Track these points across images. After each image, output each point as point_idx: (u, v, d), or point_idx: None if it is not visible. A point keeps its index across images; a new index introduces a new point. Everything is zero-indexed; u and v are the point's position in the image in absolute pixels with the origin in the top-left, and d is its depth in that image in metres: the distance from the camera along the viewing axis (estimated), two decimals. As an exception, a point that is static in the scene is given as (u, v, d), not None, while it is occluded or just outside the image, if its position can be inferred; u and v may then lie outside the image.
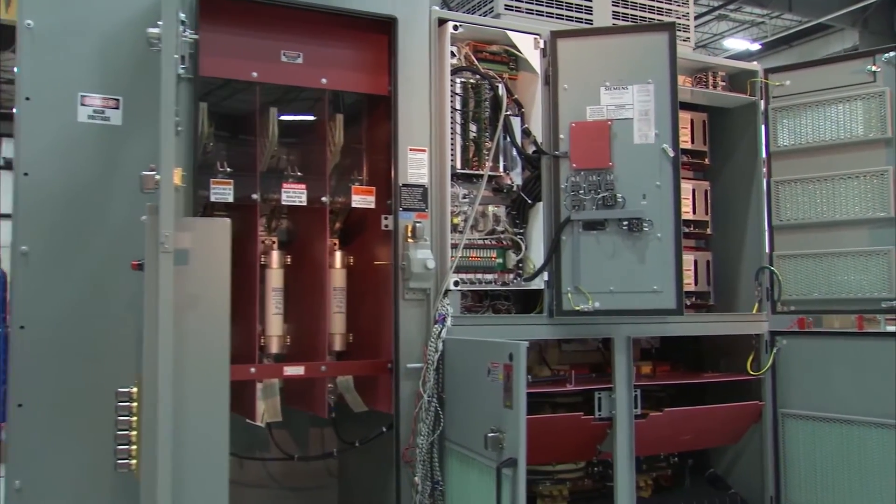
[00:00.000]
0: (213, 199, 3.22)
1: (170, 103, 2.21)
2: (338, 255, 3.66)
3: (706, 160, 4.43)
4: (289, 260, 3.59)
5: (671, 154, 3.51)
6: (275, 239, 3.67)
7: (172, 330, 2.19)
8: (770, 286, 4.16)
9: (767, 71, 4.25)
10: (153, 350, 2.18)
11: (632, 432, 3.72)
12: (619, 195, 3.54)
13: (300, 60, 3.34)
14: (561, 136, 3.61)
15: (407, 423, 3.30)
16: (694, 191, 4.38)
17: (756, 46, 18.28)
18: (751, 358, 4.14)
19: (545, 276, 3.60)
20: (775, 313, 4.15)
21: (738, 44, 18.77)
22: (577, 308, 3.54)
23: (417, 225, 3.31)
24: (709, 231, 4.43)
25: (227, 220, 2.40)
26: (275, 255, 3.55)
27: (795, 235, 4.11)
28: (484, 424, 2.81)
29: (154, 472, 2.13)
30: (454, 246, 3.47)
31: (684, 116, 4.34)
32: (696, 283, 4.35)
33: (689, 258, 4.33)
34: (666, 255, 3.51)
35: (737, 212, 4.32)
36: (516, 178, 3.68)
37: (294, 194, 3.36)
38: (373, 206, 3.49)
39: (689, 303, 4.31)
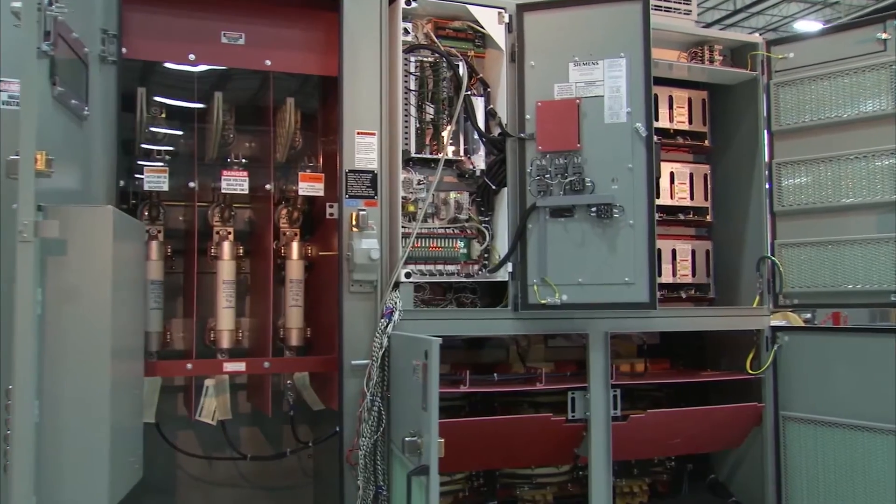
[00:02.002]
0: (146, 187, 3.10)
1: (31, 82, 2.06)
2: (294, 245, 3.50)
3: (706, 142, 4.11)
4: (241, 251, 3.45)
5: (643, 134, 3.23)
6: (230, 229, 3.51)
7: (36, 322, 2.06)
8: (772, 278, 3.82)
9: (770, 43, 3.91)
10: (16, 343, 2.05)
11: (608, 435, 3.45)
12: (587, 179, 3.27)
13: (242, 41, 3.18)
14: (527, 116, 3.35)
15: (352, 423, 3.12)
16: (692, 175, 4.07)
17: (828, 29, 17.37)
18: (751, 356, 3.81)
19: (509, 266, 3.36)
20: (777, 307, 3.82)
21: (809, 27, 17.92)
22: (543, 301, 3.29)
23: (361, 213, 3.11)
24: (709, 218, 4.10)
25: (109, 209, 2.25)
26: (226, 246, 3.40)
27: (798, 222, 3.77)
28: (410, 427, 2.61)
29: (13, 472, 1.99)
30: (407, 235, 3.25)
31: (681, 95, 4.05)
32: (693, 275, 4.04)
33: (686, 247, 4.03)
34: (638, 244, 3.23)
35: (738, 197, 3.99)
36: (479, 162, 3.44)
37: (235, 182, 3.21)
38: (321, 193, 3.31)
39: (684, 295, 4.02)
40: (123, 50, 2.99)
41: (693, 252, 4.04)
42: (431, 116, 3.34)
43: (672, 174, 4.01)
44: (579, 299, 3.28)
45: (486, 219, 3.46)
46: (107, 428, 2.20)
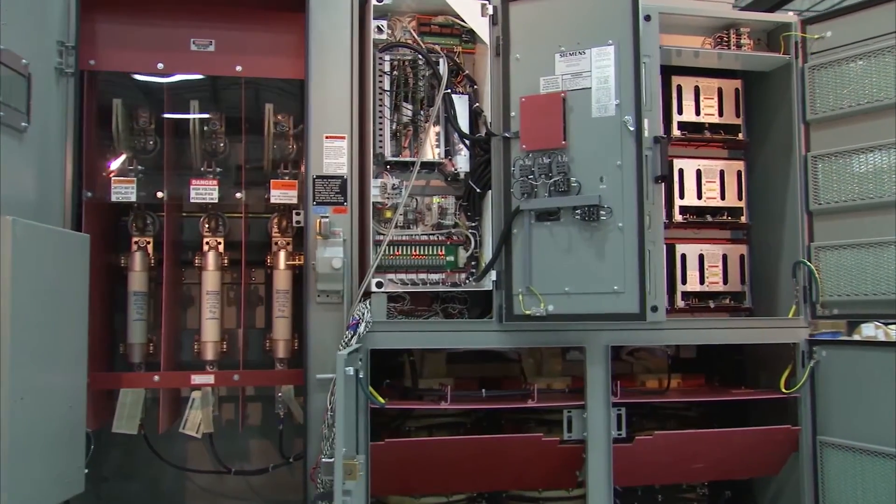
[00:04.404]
0: (114, 198, 3.09)
1: None
2: (281, 255, 3.41)
3: (740, 135, 3.71)
4: (226, 261, 3.39)
5: (632, 127, 2.93)
6: (220, 239, 3.46)
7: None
8: (808, 284, 3.39)
9: (805, 22, 3.48)
10: None
11: (609, 458, 3.17)
12: (573, 179, 3.00)
13: (212, 48, 3.13)
14: (512, 113, 3.12)
15: (317, 440, 2.98)
16: (723, 172, 3.68)
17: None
18: (786, 372, 3.41)
19: (493, 275, 3.14)
20: (814, 318, 3.39)
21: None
22: (528, 312, 3.04)
23: (324, 220, 2.97)
24: (743, 219, 3.70)
25: (8, 220, 2.21)
26: (210, 257, 3.36)
27: (837, 222, 3.33)
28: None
29: None
30: (380, 243, 3.09)
31: (710, 85, 3.69)
32: (724, 282, 3.65)
33: (716, 251, 3.65)
34: (628, 249, 2.93)
35: (775, 195, 3.57)
36: (461, 164, 3.22)
37: (204, 191, 3.16)
38: (294, 201, 3.20)
39: (713, 305, 3.63)
40: (92, 62, 3.02)
41: (725, 257, 3.65)
42: (407, 118, 3.17)
43: (699, 172, 3.64)
44: (566, 310, 3.01)
45: (474, 224, 3.24)
46: (5, 440, 2.17)
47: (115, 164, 3.32)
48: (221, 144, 3.44)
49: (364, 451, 2.98)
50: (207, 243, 3.45)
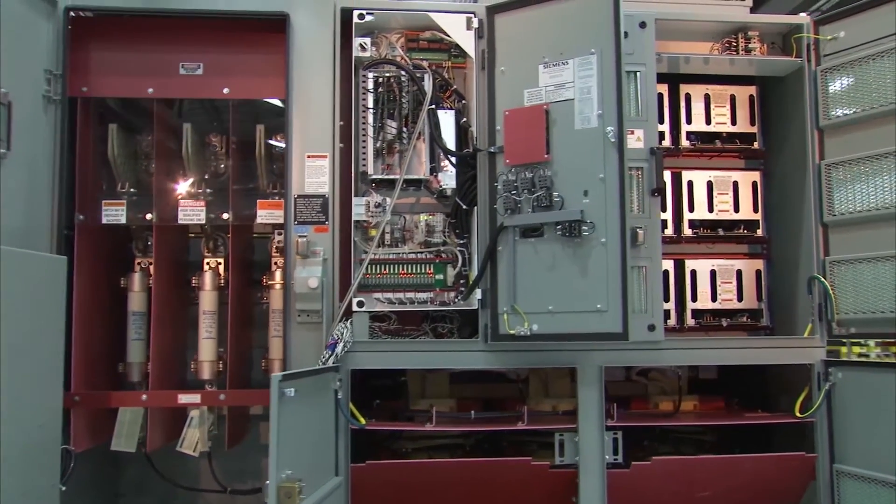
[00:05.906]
0: (104, 220, 3.16)
1: None
2: (277, 274, 3.42)
3: (755, 144, 3.52)
4: (222, 281, 3.42)
5: (613, 139, 2.80)
6: (220, 259, 3.50)
7: None
8: (824, 301, 3.17)
9: (818, 23, 3.28)
10: None
11: (603, 485, 3.03)
12: (555, 194, 2.90)
13: (200, 71, 3.17)
14: (498, 127, 3.05)
15: (297, 461, 2.95)
16: (736, 183, 3.50)
17: None
18: (802, 395, 3.19)
19: (478, 293, 3.05)
20: (831, 337, 3.16)
21: None
22: (512, 332, 2.94)
23: (301, 240, 2.96)
24: (759, 233, 3.50)
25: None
26: (207, 277, 3.39)
27: (854, 234, 3.11)
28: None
29: None
30: (372, 262, 3.06)
31: (721, 92, 3.52)
32: (739, 299, 3.46)
33: (729, 266, 3.47)
34: (611, 266, 2.79)
35: (791, 207, 3.37)
36: (447, 180, 3.16)
37: (192, 212, 3.19)
38: (281, 220, 3.20)
39: (725, 323, 3.44)
40: (84, 88, 3.11)
41: (739, 273, 3.46)
42: (392, 135, 3.12)
43: (710, 183, 3.47)
44: (550, 329, 2.90)
45: (462, 241, 3.17)
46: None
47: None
48: (222, 166, 3.47)
49: (344, 473, 2.96)
50: (208, 263, 3.49)
